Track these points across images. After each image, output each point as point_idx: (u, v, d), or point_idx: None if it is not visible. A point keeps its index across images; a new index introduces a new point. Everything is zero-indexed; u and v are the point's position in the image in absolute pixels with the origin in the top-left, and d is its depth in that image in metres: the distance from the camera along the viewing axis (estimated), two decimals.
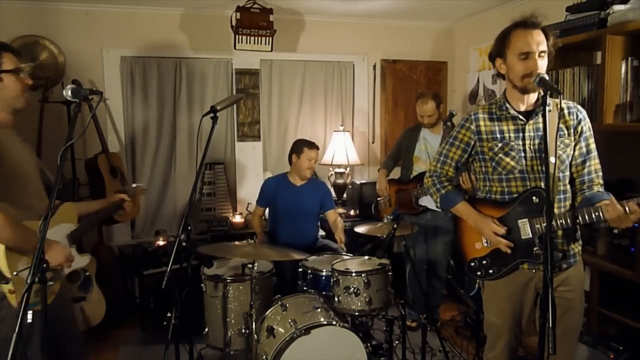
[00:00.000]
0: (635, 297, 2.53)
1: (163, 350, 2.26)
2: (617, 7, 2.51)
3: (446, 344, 3.09)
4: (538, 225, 1.87)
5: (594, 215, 1.77)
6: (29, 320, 1.51)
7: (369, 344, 2.54)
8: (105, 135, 3.78)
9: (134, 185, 2.47)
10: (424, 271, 3.58)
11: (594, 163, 1.95)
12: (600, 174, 1.96)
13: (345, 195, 4.40)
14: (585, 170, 1.94)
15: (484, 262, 2.02)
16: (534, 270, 1.94)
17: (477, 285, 2.14)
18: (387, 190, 3.68)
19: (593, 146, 1.96)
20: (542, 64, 1.85)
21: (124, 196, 2.37)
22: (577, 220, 1.82)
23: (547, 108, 1.75)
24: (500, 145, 1.96)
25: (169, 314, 2.25)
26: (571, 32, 2.70)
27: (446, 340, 3.21)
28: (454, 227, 2.18)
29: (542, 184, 1.87)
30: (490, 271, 2.01)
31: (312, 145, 3.51)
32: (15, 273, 1.75)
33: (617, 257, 2.61)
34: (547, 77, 1.75)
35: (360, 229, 3.06)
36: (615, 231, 2.60)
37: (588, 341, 2.56)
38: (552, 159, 1.83)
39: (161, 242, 3.89)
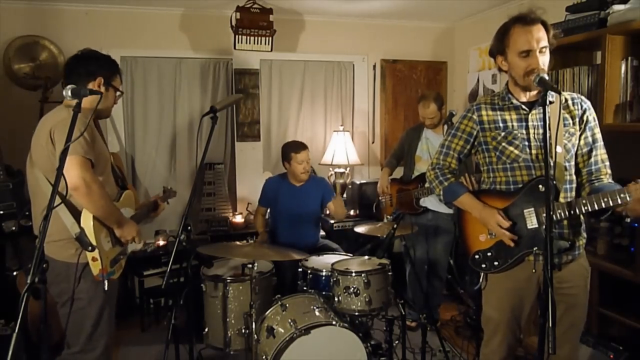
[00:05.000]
0: (635, 297, 2.53)
1: (163, 350, 2.25)
2: (617, 7, 2.51)
3: (446, 344, 3.10)
4: (545, 215, 1.81)
5: (618, 198, 1.68)
6: (105, 288, 2.02)
7: (369, 344, 2.54)
8: (105, 135, 3.77)
9: (169, 187, 2.78)
10: (424, 271, 3.58)
11: (601, 153, 1.94)
12: (608, 164, 1.94)
13: (345, 195, 4.39)
14: (592, 160, 1.92)
15: (489, 254, 1.98)
16: (539, 261, 1.89)
17: (480, 279, 2.08)
18: (387, 189, 3.68)
19: (599, 136, 1.94)
20: (544, 60, 1.84)
21: (159, 198, 2.66)
22: (592, 207, 1.74)
23: (551, 98, 1.74)
24: (503, 134, 1.95)
25: (169, 314, 2.25)
26: (571, 32, 2.70)
27: (446, 340, 3.21)
28: (457, 220, 2.13)
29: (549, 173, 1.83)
30: (496, 263, 1.96)
31: (298, 148, 3.42)
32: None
33: (617, 257, 2.61)
34: (546, 77, 1.75)
35: (360, 229, 3.06)
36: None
37: (588, 341, 2.56)
38: (558, 149, 1.82)
39: (161, 242, 3.90)
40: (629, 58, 2.48)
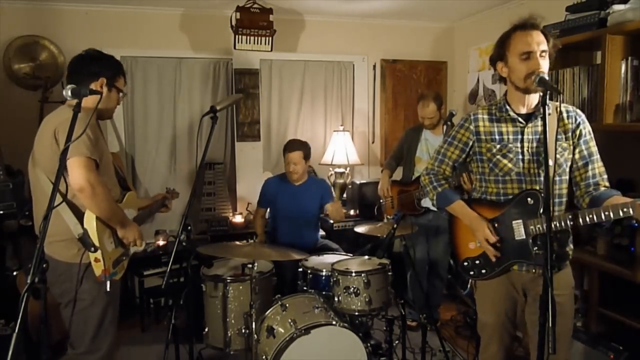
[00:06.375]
0: (635, 297, 2.53)
1: (163, 350, 2.26)
2: (617, 7, 2.51)
3: (446, 344, 3.10)
4: (532, 227, 1.87)
5: (622, 212, 1.65)
6: (108, 289, 2.00)
7: (369, 344, 2.55)
8: (105, 135, 3.77)
9: (172, 188, 2.82)
10: (425, 271, 3.59)
11: (598, 166, 1.94)
12: (605, 176, 1.94)
13: (345, 195, 4.39)
14: (590, 174, 1.93)
15: (477, 262, 2.04)
16: (523, 271, 1.95)
17: (469, 286, 2.14)
18: (388, 191, 3.68)
19: (595, 149, 1.95)
20: (544, 64, 1.85)
21: (167, 195, 2.69)
22: (600, 219, 1.72)
23: (547, 110, 1.75)
24: (498, 146, 1.96)
25: (169, 314, 2.25)
26: (571, 32, 2.70)
27: (446, 340, 3.22)
28: (449, 226, 2.18)
29: (538, 187, 1.88)
30: (483, 271, 2.02)
31: (289, 149, 3.41)
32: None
33: (617, 257, 2.61)
34: (547, 77, 1.76)
35: (360, 229, 3.06)
36: (618, 228, 2.57)
37: (588, 341, 2.56)
38: (549, 162, 1.83)
39: (161, 242, 3.90)
40: (629, 58, 2.48)
